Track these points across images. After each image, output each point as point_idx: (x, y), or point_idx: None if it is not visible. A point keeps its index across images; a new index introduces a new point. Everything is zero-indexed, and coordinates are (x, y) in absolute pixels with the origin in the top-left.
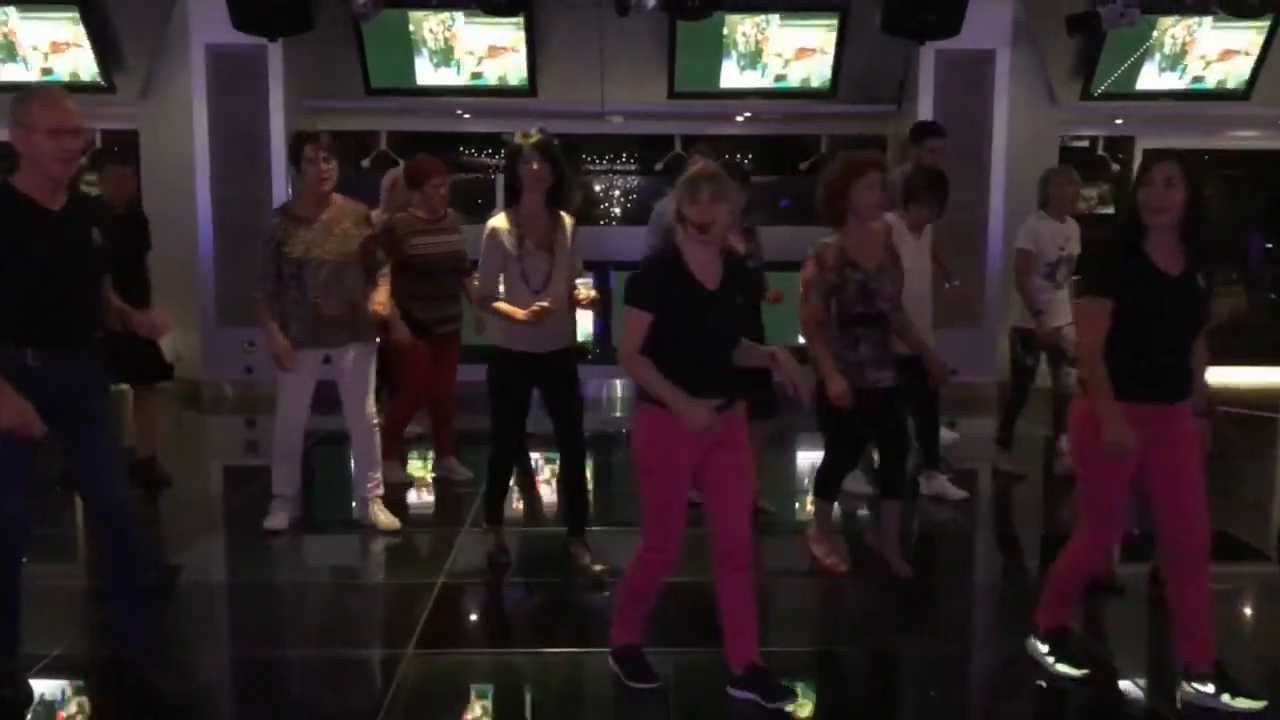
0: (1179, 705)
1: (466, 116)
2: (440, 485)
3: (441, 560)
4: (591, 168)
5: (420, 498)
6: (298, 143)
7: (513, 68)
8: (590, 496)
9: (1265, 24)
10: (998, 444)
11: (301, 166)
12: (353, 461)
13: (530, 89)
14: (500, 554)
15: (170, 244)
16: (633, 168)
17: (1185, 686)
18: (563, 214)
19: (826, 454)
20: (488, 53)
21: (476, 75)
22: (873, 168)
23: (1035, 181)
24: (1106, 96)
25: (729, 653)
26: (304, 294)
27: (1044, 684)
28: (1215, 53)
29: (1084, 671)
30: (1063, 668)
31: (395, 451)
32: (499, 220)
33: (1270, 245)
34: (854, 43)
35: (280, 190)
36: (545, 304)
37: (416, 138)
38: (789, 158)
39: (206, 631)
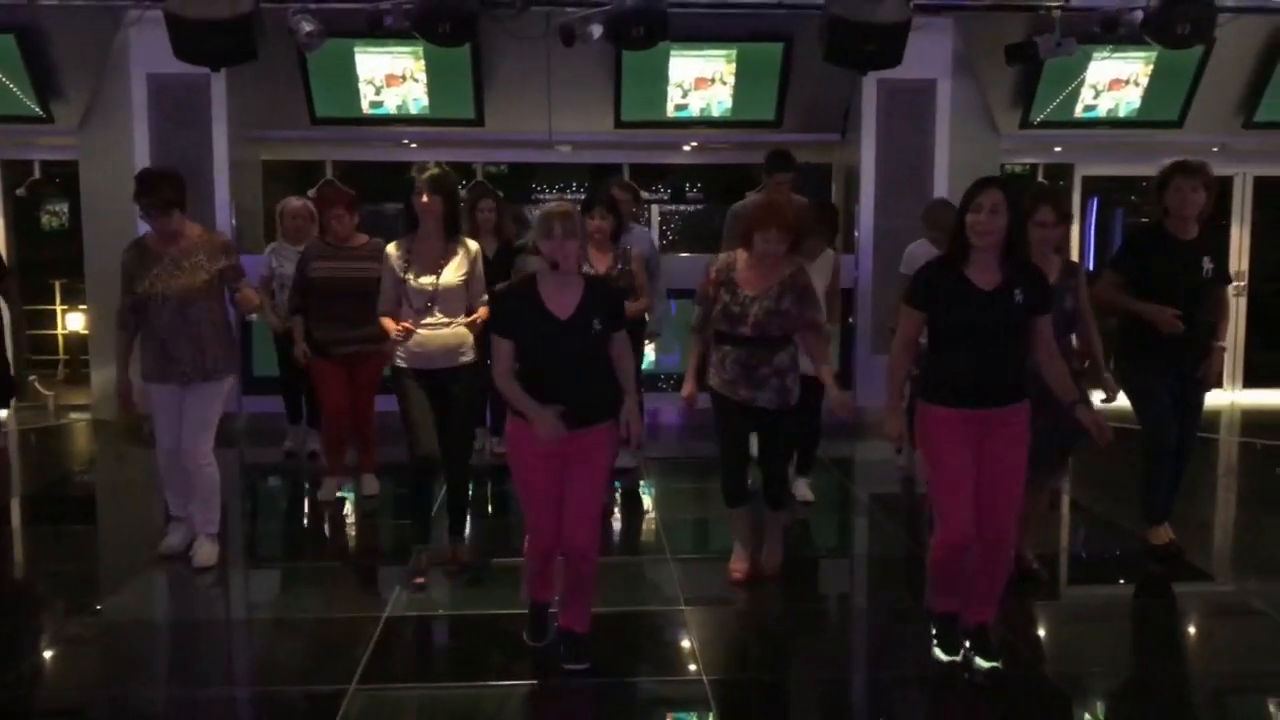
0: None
1: (413, 146)
2: (377, 515)
3: (387, 593)
4: (541, 197)
5: (369, 527)
6: (135, 191)
7: (412, 96)
8: (466, 503)
9: (1153, 54)
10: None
11: (141, 215)
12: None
13: (478, 118)
14: (420, 574)
15: (110, 276)
16: (582, 196)
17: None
18: (467, 242)
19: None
20: (386, 82)
21: (376, 104)
22: (778, 227)
23: None
24: (1045, 125)
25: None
26: (150, 328)
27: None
28: (1105, 83)
29: (954, 659)
30: (937, 651)
31: (336, 468)
32: (391, 246)
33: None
34: (798, 72)
35: (224, 221)
36: (407, 324)
37: (362, 167)
38: (736, 185)
39: (144, 670)
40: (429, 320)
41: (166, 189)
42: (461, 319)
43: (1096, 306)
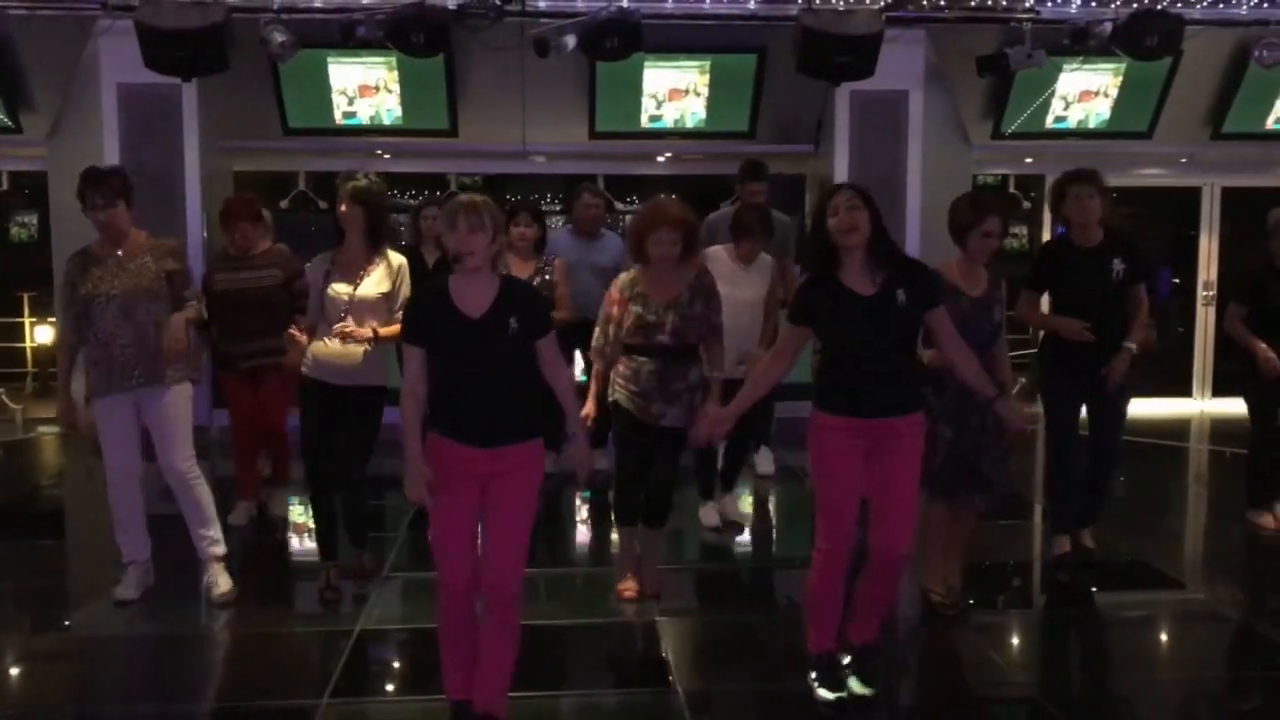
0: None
1: (387, 156)
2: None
3: (360, 606)
4: None
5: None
6: (79, 188)
7: (386, 107)
8: (363, 516)
9: (1122, 66)
10: None
11: (85, 212)
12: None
13: (451, 129)
14: (328, 590)
15: None
16: (557, 208)
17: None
18: (391, 255)
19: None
20: (359, 92)
21: (349, 114)
22: (665, 225)
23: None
24: (1016, 136)
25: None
26: (95, 334)
27: None
28: (1075, 94)
29: (841, 695)
30: (821, 692)
31: (247, 489)
32: (317, 256)
33: (1177, 280)
34: (772, 84)
35: (195, 232)
36: (294, 331)
37: (335, 178)
38: (710, 196)
39: (113, 687)
40: (303, 337)
41: (113, 180)
42: (367, 332)
43: (1019, 323)
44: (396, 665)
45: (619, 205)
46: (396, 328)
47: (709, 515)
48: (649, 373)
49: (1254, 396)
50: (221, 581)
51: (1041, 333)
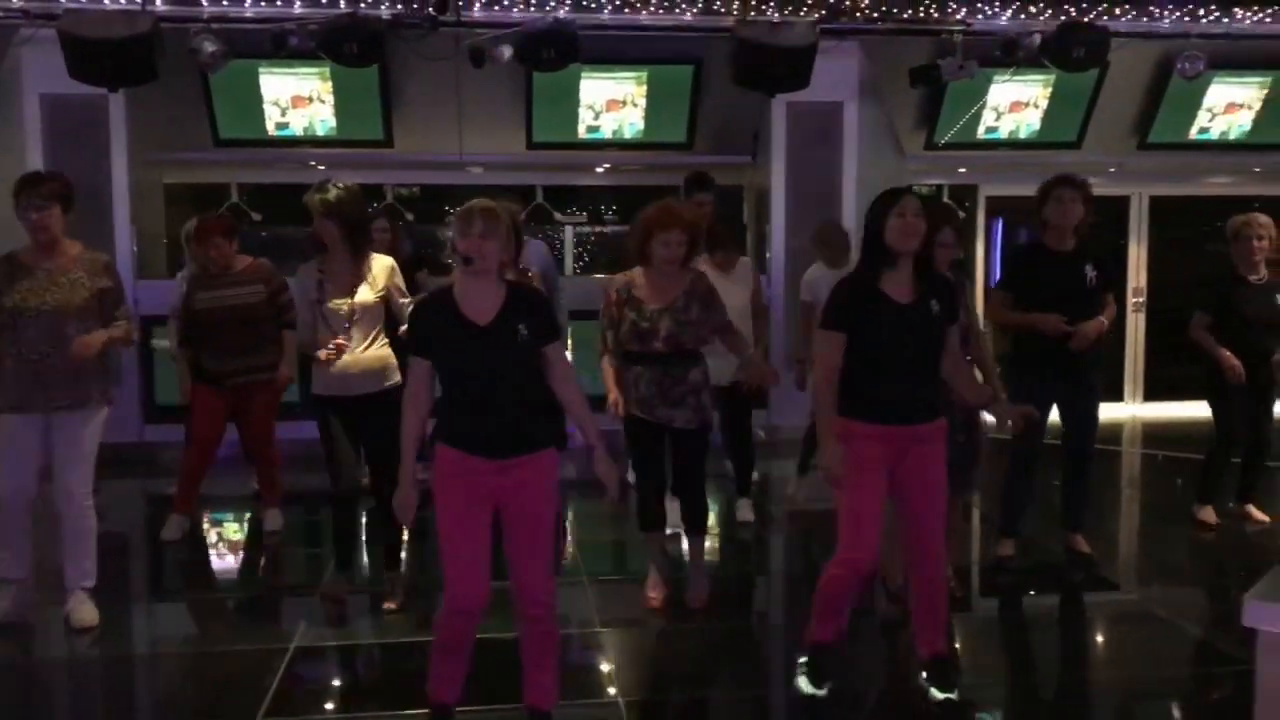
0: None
1: (321, 168)
2: (285, 544)
3: (295, 623)
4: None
5: (277, 557)
6: (14, 190)
7: (319, 118)
8: (399, 537)
9: (1051, 77)
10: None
11: (18, 215)
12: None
13: (387, 140)
14: (334, 602)
15: None
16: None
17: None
18: (378, 259)
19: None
20: (292, 103)
21: (282, 125)
22: (678, 227)
23: None
24: (950, 146)
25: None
26: (19, 349)
27: None
28: (1006, 105)
29: (819, 693)
30: (801, 681)
31: (186, 503)
32: (302, 269)
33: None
34: (708, 95)
35: (124, 246)
36: (340, 341)
37: (269, 190)
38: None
39: (44, 712)
40: (346, 342)
41: (52, 183)
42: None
43: (992, 325)
44: (335, 683)
45: (558, 216)
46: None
47: (743, 512)
48: (648, 381)
49: (1218, 402)
50: (85, 613)
51: (1008, 340)
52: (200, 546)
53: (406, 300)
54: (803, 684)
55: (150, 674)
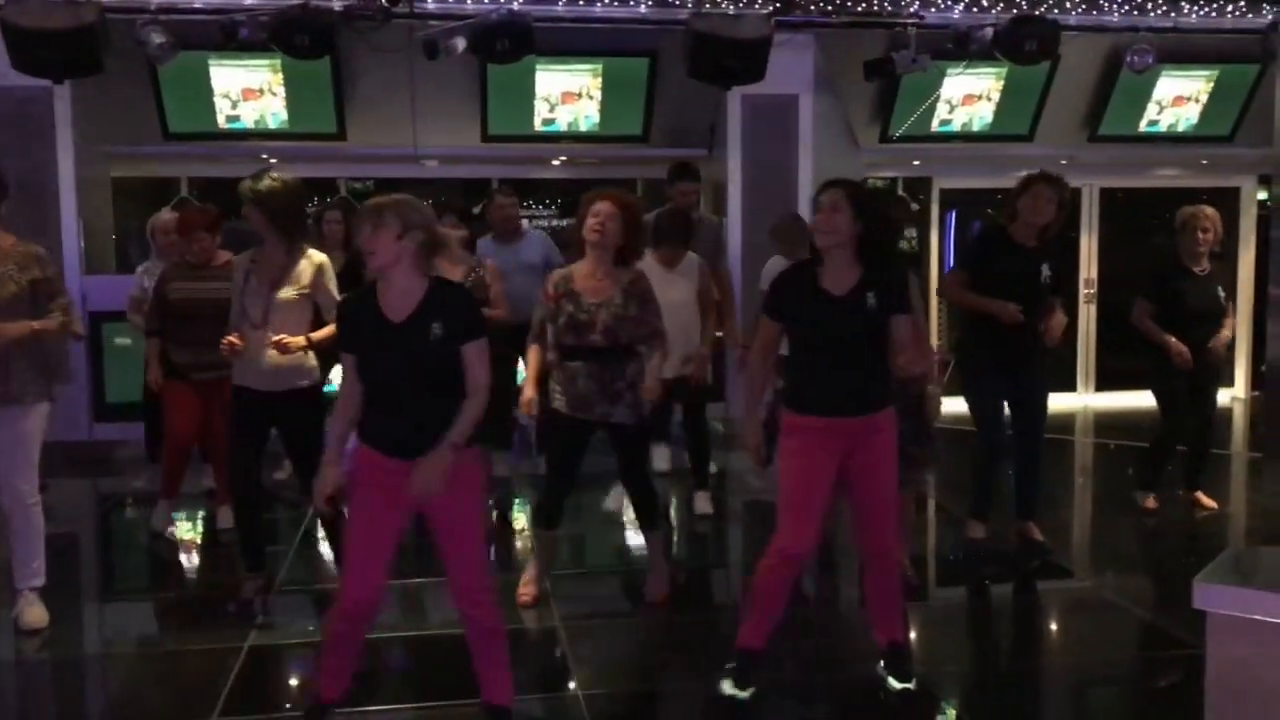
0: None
1: (273, 161)
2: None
3: (250, 621)
4: None
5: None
6: None
7: (271, 110)
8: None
9: (1004, 70)
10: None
11: None
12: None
13: (339, 133)
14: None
15: None
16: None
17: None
18: (311, 254)
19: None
20: (242, 95)
21: (233, 118)
22: (605, 199)
23: None
24: (904, 139)
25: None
26: None
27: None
28: (959, 98)
29: (741, 695)
30: (724, 684)
31: (172, 489)
32: (238, 258)
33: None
34: (664, 88)
35: (71, 242)
36: (232, 339)
37: (220, 184)
38: None
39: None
40: (265, 336)
41: None
42: (300, 340)
43: (945, 300)
44: (291, 682)
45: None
46: (331, 329)
47: (701, 504)
48: (585, 376)
49: (1164, 390)
50: (34, 613)
51: (960, 332)
52: (154, 545)
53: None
54: (726, 687)
55: (102, 675)
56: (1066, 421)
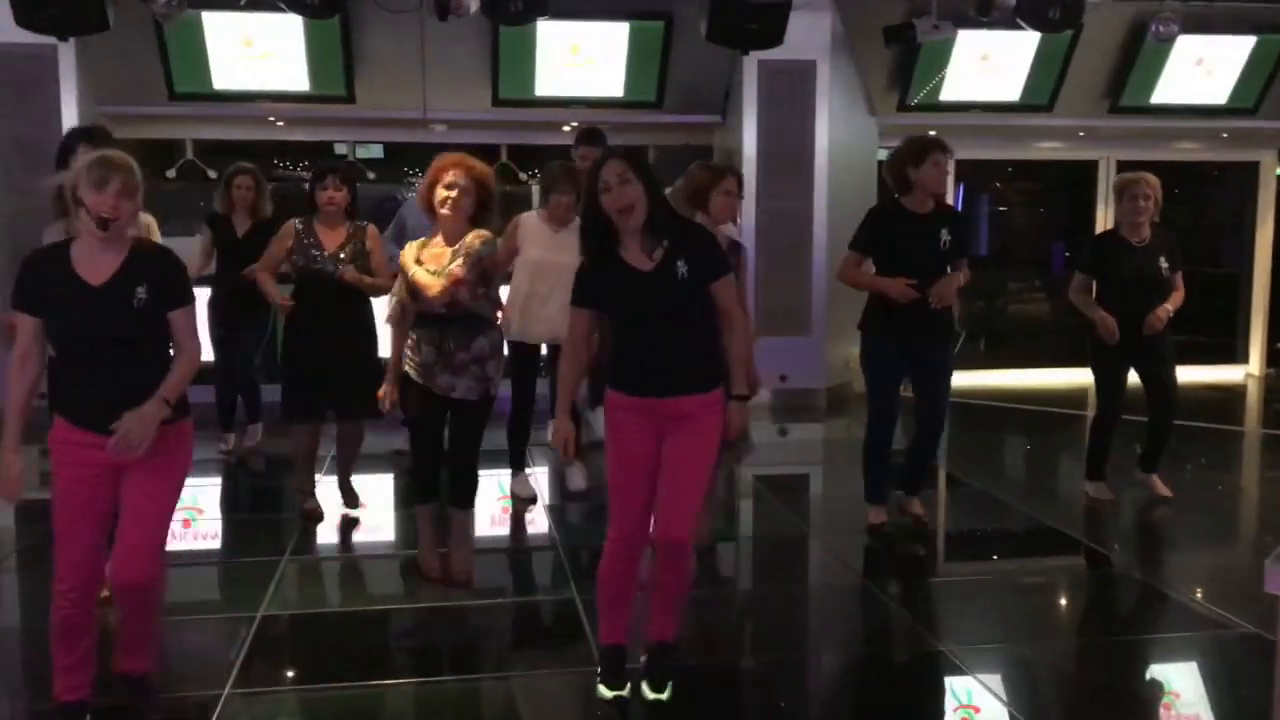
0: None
1: (280, 124)
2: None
3: (262, 591)
4: (414, 181)
5: (238, 523)
6: None
7: (279, 71)
8: None
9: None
10: None
11: None
12: None
13: (348, 95)
14: None
15: None
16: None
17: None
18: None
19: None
20: (250, 56)
21: (240, 80)
22: (454, 168)
23: (854, 191)
24: (922, 108)
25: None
26: None
27: None
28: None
29: (620, 693)
30: (601, 689)
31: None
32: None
33: (1069, 254)
34: (679, 52)
35: None
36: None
37: (226, 146)
38: None
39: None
40: None
41: None
42: None
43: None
44: (301, 652)
45: (523, 177)
46: None
47: (523, 487)
48: (428, 342)
49: (1096, 367)
50: None
51: (862, 308)
52: None
53: None
54: (602, 690)
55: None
56: (1080, 397)
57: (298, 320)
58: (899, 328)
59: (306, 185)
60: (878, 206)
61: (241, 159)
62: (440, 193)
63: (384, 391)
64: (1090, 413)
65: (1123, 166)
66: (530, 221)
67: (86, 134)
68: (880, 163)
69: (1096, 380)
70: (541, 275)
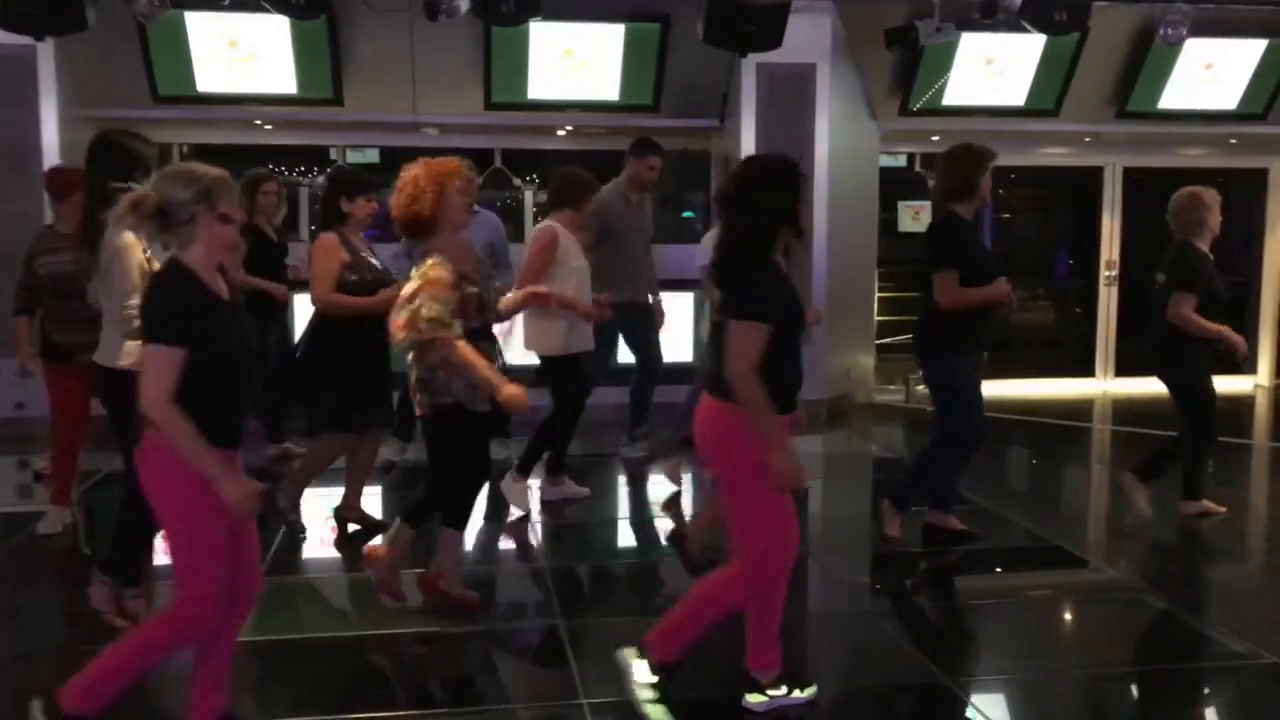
0: None
1: (267, 127)
2: None
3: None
4: None
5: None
6: None
7: (266, 74)
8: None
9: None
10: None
11: None
12: None
13: (336, 98)
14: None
15: None
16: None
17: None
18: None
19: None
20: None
21: (226, 82)
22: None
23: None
24: (924, 113)
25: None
26: None
27: None
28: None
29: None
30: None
31: (65, 496)
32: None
33: (1073, 261)
34: (676, 55)
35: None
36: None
37: (212, 150)
38: (614, 173)
39: None
40: None
41: None
42: None
43: None
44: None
45: (516, 182)
46: None
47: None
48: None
49: (1201, 384)
50: None
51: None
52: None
53: None
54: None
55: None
56: (1084, 408)
57: (354, 333)
58: (986, 338)
59: (321, 194)
60: (956, 219)
61: (228, 163)
62: (461, 201)
63: (516, 390)
64: (1097, 425)
65: (1129, 173)
66: (562, 234)
67: None
68: (882, 169)
69: (1196, 397)
70: (584, 284)
